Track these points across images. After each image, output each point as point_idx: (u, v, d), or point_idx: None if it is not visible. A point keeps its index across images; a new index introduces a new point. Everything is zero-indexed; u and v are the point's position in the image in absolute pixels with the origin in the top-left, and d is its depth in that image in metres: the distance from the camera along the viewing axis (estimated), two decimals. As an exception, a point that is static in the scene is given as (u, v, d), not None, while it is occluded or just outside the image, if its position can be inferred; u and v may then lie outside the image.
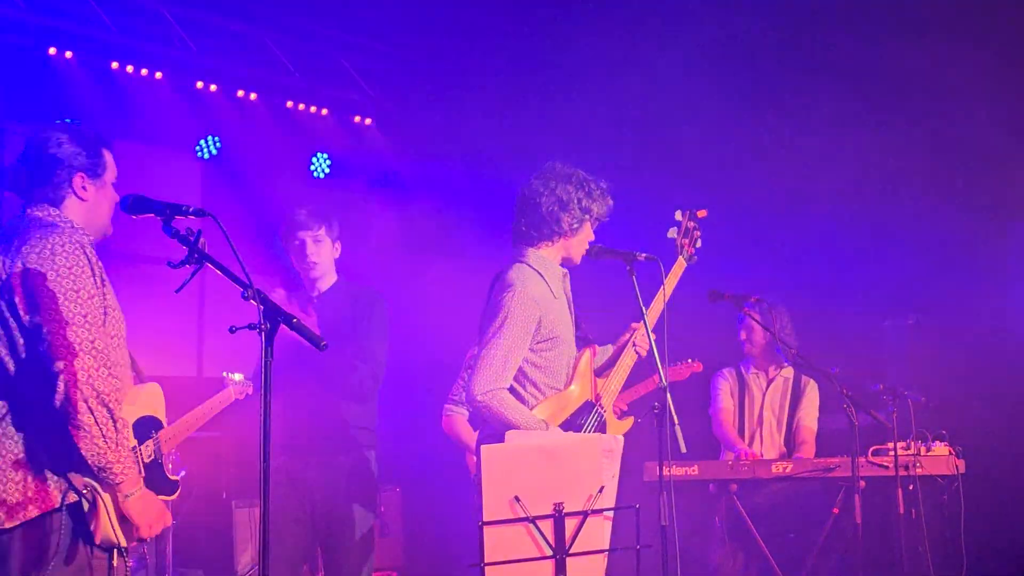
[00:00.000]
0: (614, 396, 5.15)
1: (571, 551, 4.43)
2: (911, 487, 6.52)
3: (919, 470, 6.55)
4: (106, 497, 3.55)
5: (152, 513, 3.66)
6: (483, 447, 4.54)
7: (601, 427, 5.06)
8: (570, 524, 4.45)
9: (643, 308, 4.90)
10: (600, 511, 4.52)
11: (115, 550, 3.62)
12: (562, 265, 5.09)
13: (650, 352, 4.93)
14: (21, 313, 3.48)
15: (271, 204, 9.00)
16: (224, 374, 6.04)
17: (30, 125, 3.87)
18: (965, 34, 7.20)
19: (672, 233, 5.48)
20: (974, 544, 6.58)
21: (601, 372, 5.20)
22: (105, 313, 3.61)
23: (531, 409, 4.87)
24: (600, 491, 4.48)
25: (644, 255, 5.03)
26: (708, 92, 7.81)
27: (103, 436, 3.45)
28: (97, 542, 3.56)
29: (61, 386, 3.41)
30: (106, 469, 3.49)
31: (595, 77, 8.29)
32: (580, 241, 5.08)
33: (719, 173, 8.11)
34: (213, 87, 8.82)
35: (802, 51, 7.83)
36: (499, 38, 8.44)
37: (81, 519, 3.54)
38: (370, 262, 9.22)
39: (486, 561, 4.40)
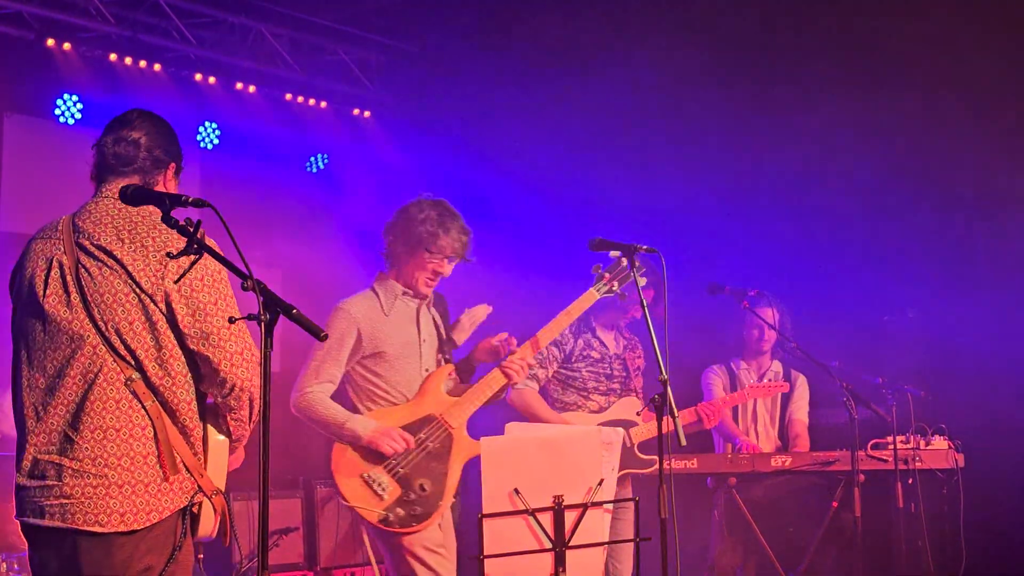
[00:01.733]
0: (468, 413, 5.27)
1: (570, 543, 4.43)
2: (910, 481, 6.52)
3: (918, 464, 6.55)
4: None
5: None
6: (483, 439, 4.54)
7: (445, 442, 5.19)
8: (569, 516, 4.45)
9: (643, 300, 4.88)
10: (600, 504, 4.52)
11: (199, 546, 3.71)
12: (414, 289, 5.36)
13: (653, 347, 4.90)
14: (182, 321, 3.54)
15: (269, 196, 9.01)
16: None
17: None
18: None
19: (596, 269, 5.56)
20: (973, 538, 6.58)
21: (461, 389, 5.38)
22: None
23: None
24: (600, 484, 4.48)
25: (645, 247, 5.02)
26: (703, 79, 7.82)
27: (251, 422, 3.68)
28: (197, 537, 3.63)
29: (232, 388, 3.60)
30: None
31: (590, 65, 8.28)
32: (412, 270, 5.31)
33: (713, 164, 8.09)
34: (212, 79, 8.82)
35: (801, 34, 7.81)
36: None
37: (197, 520, 3.63)
38: (368, 256, 9.22)
39: (485, 553, 4.40)
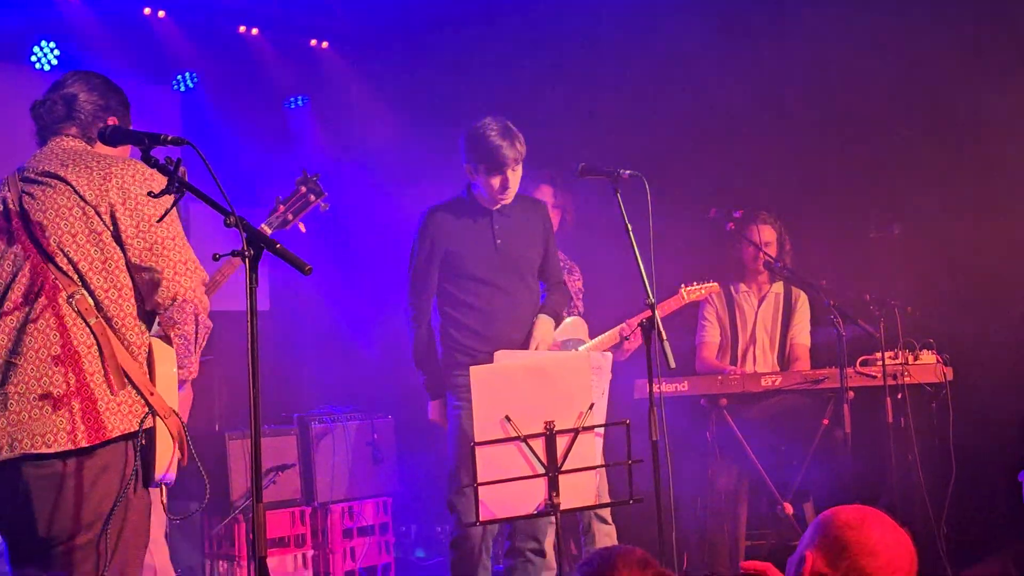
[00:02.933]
0: None
1: (563, 468, 4.48)
2: (899, 396, 6.57)
3: (907, 379, 6.60)
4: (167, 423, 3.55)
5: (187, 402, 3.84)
6: (472, 368, 4.58)
7: None
8: (561, 441, 4.50)
9: (628, 225, 4.89)
10: (591, 428, 4.57)
11: (163, 486, 3.65)
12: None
13: (639, 271, 4.93)
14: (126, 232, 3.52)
15: (250, 136, 8.95)
16: None
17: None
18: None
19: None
20: (963, 451, 6.66)
21: None
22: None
23: None
24: (590, 408, 4.53)
25: (628, 172, 5.06)
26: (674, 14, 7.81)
27: (197, 344, 3.63)
28: (157, 476, 3.55)
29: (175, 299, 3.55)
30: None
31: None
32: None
33: (692, 93, 8.06)
34: (161, 13, 8.67)
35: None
36: None
37: (152, 447, 3.53)
38: (354, 191, 9.22)
39: (479, 481, 4.45)
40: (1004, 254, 7.23)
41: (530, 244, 5.78)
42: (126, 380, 3.46)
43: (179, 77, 8.90)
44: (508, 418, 4.46)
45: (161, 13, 8.50)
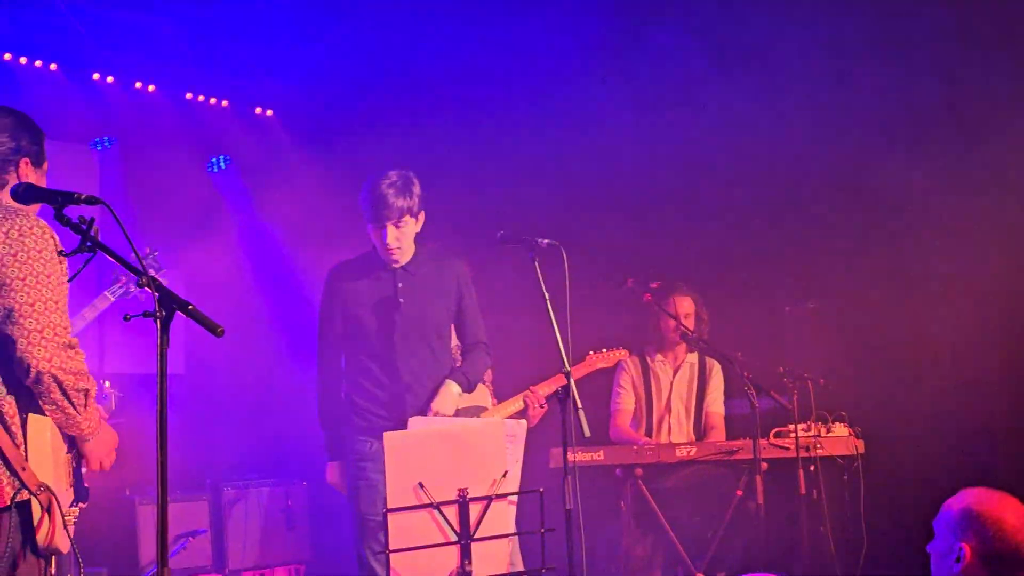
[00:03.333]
0: None
1: (476, 536, 4.47)
2: (812, 468, 6.64)
3: (820, 451, 6.68)
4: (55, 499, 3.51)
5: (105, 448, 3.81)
6: (386, 434, 4.56)
7: None
8: (475, 509, 4.48)
9: (546, 295, 4.94)
10: (504, 495, 4.56)
11: (52, 557, 3.58)
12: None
13: (555, 339, 4.96)
14: None
15: (170, 196, 8.88)
16: None
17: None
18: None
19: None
20: (874, 523, 6.73)
21: None
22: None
23: None
24: (504, 475, 4.52)
25: (546, 241, 5.12)
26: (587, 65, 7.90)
27: (78, 405, 3.57)
28: (41, 546, 3.51)
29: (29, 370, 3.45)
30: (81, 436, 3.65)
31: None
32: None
33: (607, 162, 8.15)
34: (110, 79, 8.67)
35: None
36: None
37: (29, 520, 3.48)
38: (272, 254, 9.19)
39: (391, 548, 4.42)
40: (916, 328, 7.37)
41: (438, 303, 5.56)
42: None
43: (97, 139, 8.80)
44: (421, 484, 4.44)
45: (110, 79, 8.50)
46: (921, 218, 7.47)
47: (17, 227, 3.52)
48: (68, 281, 3.50)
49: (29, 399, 3.53)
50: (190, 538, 7.30)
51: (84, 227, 3.25)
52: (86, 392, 3.57)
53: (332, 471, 5.56)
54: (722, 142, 7.85)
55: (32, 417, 3.53)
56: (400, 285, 5.47)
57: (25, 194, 3.50)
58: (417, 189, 5.39)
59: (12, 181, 3.71)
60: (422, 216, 5.48)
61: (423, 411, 5.39)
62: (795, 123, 7.66)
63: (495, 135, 8.38)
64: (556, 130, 8.20)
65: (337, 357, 5.58)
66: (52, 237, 3.55)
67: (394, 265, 5.47)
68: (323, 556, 8.14)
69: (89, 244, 3.26)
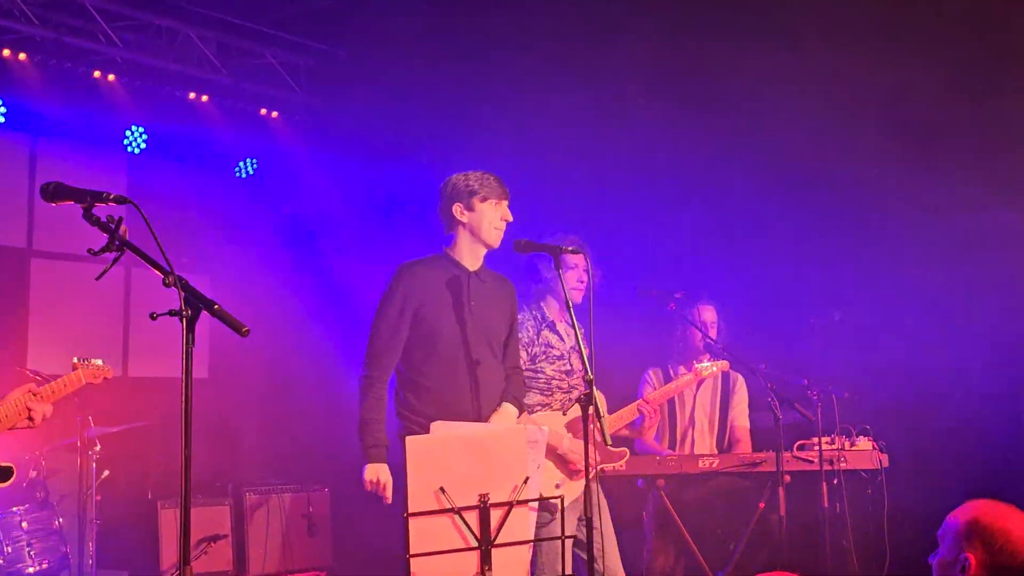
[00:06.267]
0: None
1: (496, 542, 4.48)
2: (835, 481, 6.63)
3: (843, 465, 6.67)
4: None
5: None
6: (408, 438, 4.56)
7: None
8: (495, 514, 4.49)
9: (569, 302, 4.95)
10: (525, 502, 4.57)
11: None
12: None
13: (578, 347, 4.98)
14: None
15: (198, 201, 8.98)
16: (75, 359, 5.84)
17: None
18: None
19: None
20: (897, 537, 6.70)
21: None
22: None
23: None
24: (525, 482, 4.53)
25: (571, 248, 5.13)
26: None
27: None
28: None
29: None
30: None
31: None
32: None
33: (637, 166, 8.15)
34: (139, 83, 8.77)
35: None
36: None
37: None
38: (296, 259, 9.25)
39: (411, 552, 4.44)
40: (942, 341, 7.35)
41: (500, 317, 5.54)
42: None
43: (128, 134, 8.89)
44: (443, 489, 4.46)
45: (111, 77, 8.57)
46: (946, 232, 7.44)
47: None
48: (96, 279, 3.53)
49: None
50: (211, 543, 7.34)
51: (112, 226, 3.29)
52: None
53: (374, 471, 5.20)
54: (749, 143, 7.83)
55: None
56: (472, 290, 5.42)
57: (55, 193, 3.54)
58: None
59: None
60: None
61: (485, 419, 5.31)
62: (824, 130, 7.62)
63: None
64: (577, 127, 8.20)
65: (394, 357, 5.36)
66: None
67: (494, 246, 5.45)
68: (345, 562, 8.18)
69: (117, 243, 3.30)
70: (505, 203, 5.41)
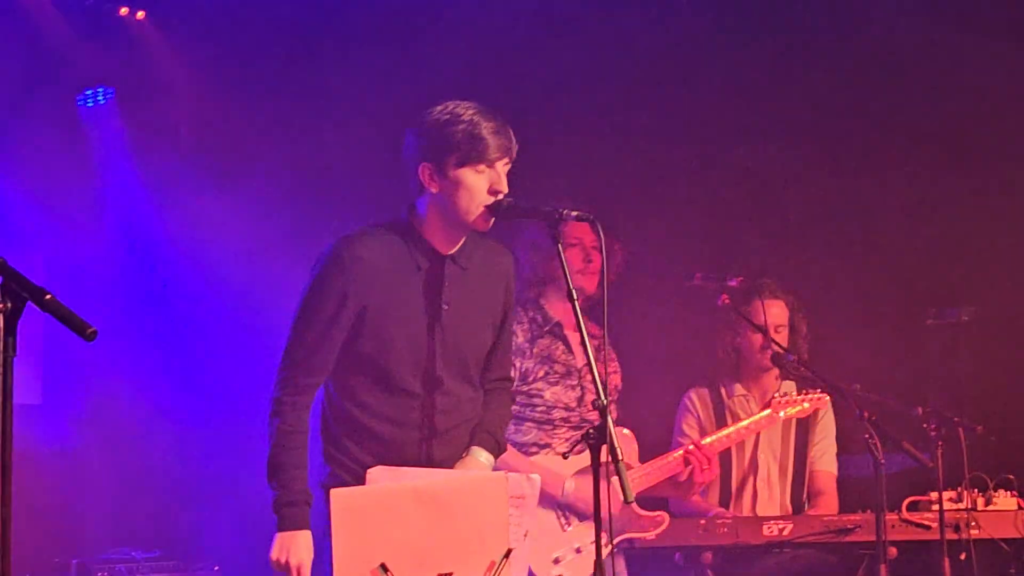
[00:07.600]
0: None
1: (463, 644, 4.48)
2: (963, 556, 6.65)
3: (975, 532, 6.70)
4: None
5: None
6: (333, 491, 4.52)
7: None
8: (462, 606, 4.49)
9: (569, 284, 4.83)
10: (506, 586, 4.57)
11: None
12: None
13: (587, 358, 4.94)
14: None
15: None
16: None
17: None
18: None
19: None
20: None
21: None
22: None
23: None
24: (507, 556, 4.53)
25: (575, 212, 4.96)
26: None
27: None
28: None
29: None
30: None
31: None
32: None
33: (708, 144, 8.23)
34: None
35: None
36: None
37: None
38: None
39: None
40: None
41: (486, 321, 5.23)
42: None
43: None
44: (384, 567, 4.44)
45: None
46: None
47: None
48: None
49: None
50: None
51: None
52: None
53: (287, 543, 4.92)
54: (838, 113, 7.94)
55: None
56: (447, 282, 5.09)
57: None
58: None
59: None
60: None
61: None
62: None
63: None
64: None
65: (321, 375, 5.10)
66: None
67: (479, 230, 5.04)
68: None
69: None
70: (502, 163, 4.94)
